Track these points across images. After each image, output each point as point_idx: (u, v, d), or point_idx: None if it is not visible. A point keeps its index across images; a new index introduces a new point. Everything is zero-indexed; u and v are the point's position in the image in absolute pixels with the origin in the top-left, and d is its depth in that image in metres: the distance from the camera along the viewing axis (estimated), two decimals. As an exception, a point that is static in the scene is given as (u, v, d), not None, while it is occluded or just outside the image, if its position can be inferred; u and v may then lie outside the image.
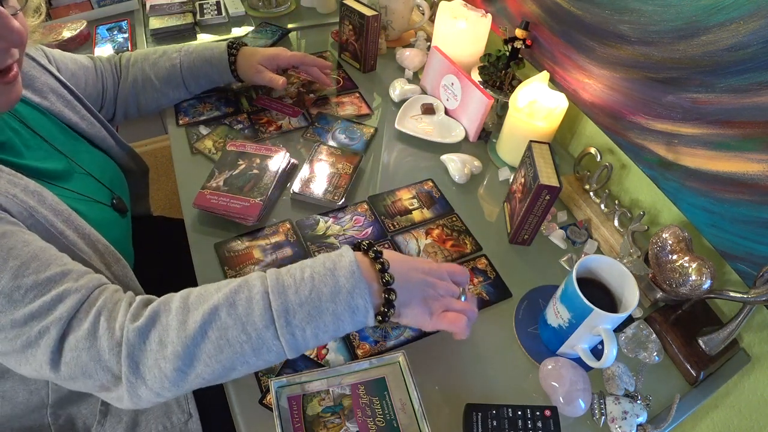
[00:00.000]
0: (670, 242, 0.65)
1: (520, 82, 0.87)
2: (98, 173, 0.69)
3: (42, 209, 0.52)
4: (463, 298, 0.58)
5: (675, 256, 0.64)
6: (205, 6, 1.24)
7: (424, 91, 1.03)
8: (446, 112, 0.97)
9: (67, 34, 1.11)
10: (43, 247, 0.48)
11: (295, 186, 0.80)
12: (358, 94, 1.03)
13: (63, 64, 0.75)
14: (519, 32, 0.89)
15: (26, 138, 0.60)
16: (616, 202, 0.77)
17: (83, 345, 0.45)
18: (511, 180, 0.84)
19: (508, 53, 0.92)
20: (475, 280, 0.71)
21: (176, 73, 0.87)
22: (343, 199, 0.79)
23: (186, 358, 0.45)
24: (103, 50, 1.11)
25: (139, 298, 0.49)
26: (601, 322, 0.55)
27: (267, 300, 0.46)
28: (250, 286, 0.47)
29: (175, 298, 0.48)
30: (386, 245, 0.75)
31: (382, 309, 0.51)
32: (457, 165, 0.85)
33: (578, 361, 0.61)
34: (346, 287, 0.47)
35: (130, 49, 1.12)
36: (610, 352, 0.54)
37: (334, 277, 0.48)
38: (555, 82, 0.88)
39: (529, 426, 0.56)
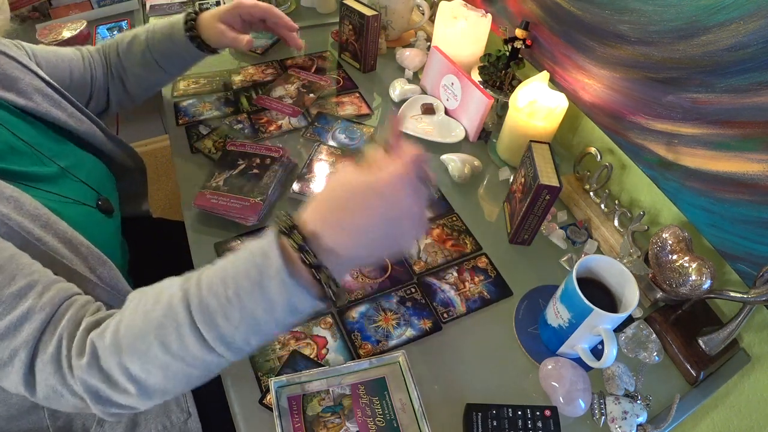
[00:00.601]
0: (670, 242, 0.65)
1: (520, 82, 0.87)
2: (84, 175, 0.67)
3: (18, 216, 0.50)
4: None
5: (675, 256, 0.64)
6: (204, 6, 1.24)
7: (424, 91, 1.03)
8: (446, 112, 0.97)
9: (67, 34, 1.11)
10: (10, 256, 0.46)
11: (295, 186, 0.80)
12: (358, 94, 1.03)
13: (44, 59, 0.72)
14: (519, 32, 0.89)
15: (8, 142, 0.59)
16: (616, 202, 0.77)
17: (49, 369, 0.44)
18: (511, 180, 0.84)
19: (508, 53, 0.92)
20: (476, 279, 0.71)
21: (149, 57, 0.80)
22: (343, 199, 0.79)
23: (141, 393, 0.44)
24: (103, 50, 1.11)
25: (86, 321, 0.46)
26: (601, 322, 0.55)
27: (198, 332, 0.42)
28: (175, 317, 0.42)
29: (108, 330, 0.44)
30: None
31: (328, 292, 0.42)
32: (457, 165, 0.85)
33: (578, 361, 0.61)
34: (281, 300, 0.41)
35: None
36: (610, 352, 0.54)
37: (264, 294, 0.40)
38: (555, 82, 0.88)
39: (529, 426, 0.56)
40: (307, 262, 0.40)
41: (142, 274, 0.66)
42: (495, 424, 0.56)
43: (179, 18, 0.79)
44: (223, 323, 0.41)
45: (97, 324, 0.46)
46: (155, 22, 0.81)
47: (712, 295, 0.62)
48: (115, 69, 0.81)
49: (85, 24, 1.15)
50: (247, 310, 0.41)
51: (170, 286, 0.44)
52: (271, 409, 0.56)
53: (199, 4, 1.24)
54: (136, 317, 0.44)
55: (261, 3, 0.79)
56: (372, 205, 0.41)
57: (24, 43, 0.71)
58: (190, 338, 0.42)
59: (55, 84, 0.70)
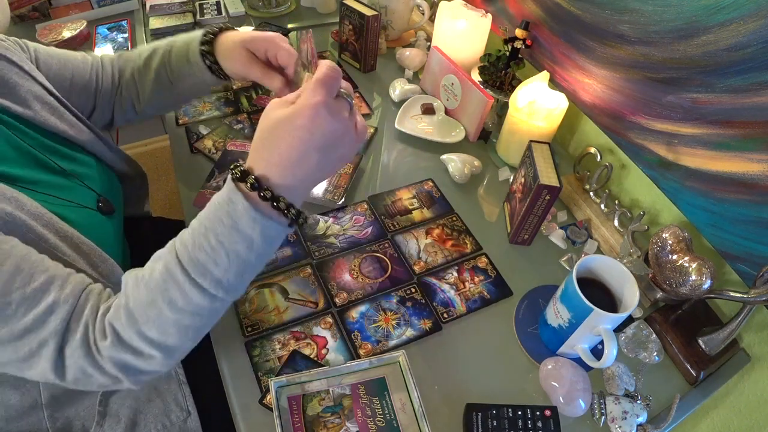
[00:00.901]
0: (670, 242, 0.65)
1: (520, 82, 0.87)
2: (84, 176, 0.67)
3: (20, 213, 0.51)
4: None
5: (675, 256, 0.64)
6: (205, 6, 1.24)
7: (424, 91, 1.03)
8: (446, 112, 0.97)
9: (67, 34, 1.11)
10: (23, 256, 0.48)
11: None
12: (357, 94, 1.03)
13: (44, 63, 0.69)
14: (519, 32, 0.89)
15: (11, 144, 0.58)
16: (616, 202, 0.77)
17: (79, 353, 0.48)
18: (511, 180, 0.84)
19: (508, 53, 0.92)
20: (476, 279, 0.71)
21: (162, 74, 0.75)
22: (343, 199, 0.79)
23: (164, 354, 0.49)
24: (104, 50, 1.11)
25: (103, 307, 0.50)
26: (601, 322, 0.56)
27: (197, 284, 0.47)
28: (174, 277, 0.47)
29: (120, 309, 0.48)
30: (386, 245, 0.75)
31: (290, 216, 0.48)
32: (457, 165, 0.85)
33: (578, 361, 0.61)
34: (255, 234, 0.46)
35: (130, 49, 1.12)
36: (610, 352, 0.54)
37: (240, 233, 0.46)
38: (555, 82, 0.88)
39: (529, 426, 0.56)
40: (263, 197, 0.45)
41: None
42: (495, 424, 0.56)
43: (198, 33, 0.71)
44: (215, 269, 0.47)
45: (109, 308, 0.50)
46: (177, 37, 0.74)
47: (712, 295, 0.62)
48: (126, 88, 0.78)
49: (85, 24, 1.15)
50: (232, 251, 0.46)
51: (159, 257, 0.49)
52: (271, 409, 0.56)
53: (199, 4, 1.24)
54: (140, 290, 0.48)
55: (294, 52, 0.68)
56: (299, 138, 0.45)
57: (29, 43, 0.69)
58: (192, 291, 0.47)
59: (55, 92, 0.68)
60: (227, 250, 0.46)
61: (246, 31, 0.69)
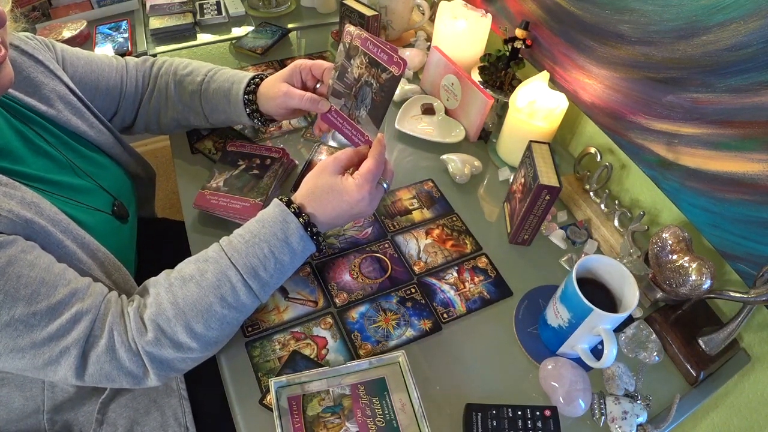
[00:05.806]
0: (670, 242, 0.65)
1: (520, 82, 0.87)
2: (101, 180, 0.68)
3: (40, 220, 0.51)
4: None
5: (675, 256, 0.64)
6: (205, 6, 1.24)
7: (424, 91, 1.03)
8: (446, 112, 0.97)
9: (67, 34, 1.11)
10: (46, 267, 0.49)
11: (296, 186, 0.80)
12: (358, 94, 1.03)
13: (71, 66, 0.70)
14: (519, 32, 0.89)
15: (28, 144, 0.59)
16: (616, 202, 0.77)
17: (104, 359, 0.50)
18: (511, 180, 0.84)
19: (508, 53, 0.92)
20: (476, 279, 0.71)
21: (196, 100, 0.77)
22: (343, 199, 0.79)
23: (202, 347, 0.54)
24: (104, 50, 1.11)
25: (132, 309, 0.53)
26: (601, 322, 0.56)
27: (247, 285, 0.55)
28: (228, 278, 0.55)
29: (165, 305, 0.52)
30: (386, 245, 0.75)
31: (319, 240, 0.61)
32: (457, 165, 0.85)
33: (578, 361, 0.61)
34: (299, 249, 0.58)
35: (129, 49, 1.12)
36: (610, 352, 0.54)
37: (289, 246, 0.58)
38: (555, 82, 0.88)
39: (529, 426, 0.56)
40: (309, 228, 0.59)
41: (147, 274, 0.66)
42: (495, 424, 0.56)
43: (245, 78, 0.75)
44: (264, 274, 0.56)
45: (139, 307, 0.53)
46: (219, 70, 0.78)
47: (712, 295, 0.62)
48: (156, 98, 0.79)
49: (85, 24, 1.15)
50: (279, 260, 0.57)
51: (206, 259, 0.56)
52: (271, 410, 0.56)
53: (199, 4, 1.24)
54: (188, 288, 0.53)
55: (321, 62, 0.72)
56: (342, 208, 0.60)
57: (56, 44, 0.69)
58: (242, 290, 0.55)
59: (79, 93, 0.68)
60: (276, 259, 0.57)
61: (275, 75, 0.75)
